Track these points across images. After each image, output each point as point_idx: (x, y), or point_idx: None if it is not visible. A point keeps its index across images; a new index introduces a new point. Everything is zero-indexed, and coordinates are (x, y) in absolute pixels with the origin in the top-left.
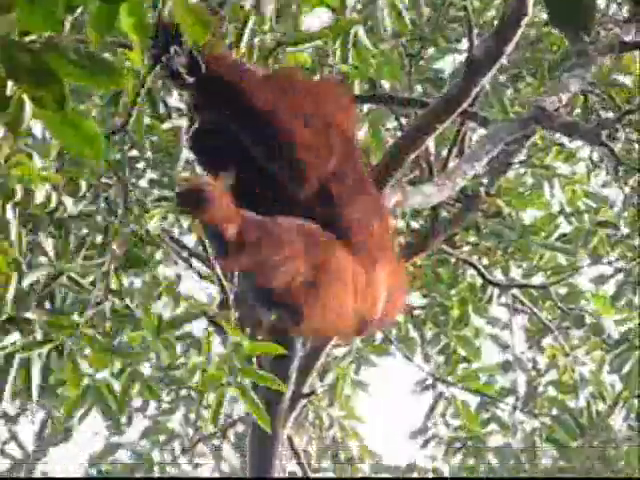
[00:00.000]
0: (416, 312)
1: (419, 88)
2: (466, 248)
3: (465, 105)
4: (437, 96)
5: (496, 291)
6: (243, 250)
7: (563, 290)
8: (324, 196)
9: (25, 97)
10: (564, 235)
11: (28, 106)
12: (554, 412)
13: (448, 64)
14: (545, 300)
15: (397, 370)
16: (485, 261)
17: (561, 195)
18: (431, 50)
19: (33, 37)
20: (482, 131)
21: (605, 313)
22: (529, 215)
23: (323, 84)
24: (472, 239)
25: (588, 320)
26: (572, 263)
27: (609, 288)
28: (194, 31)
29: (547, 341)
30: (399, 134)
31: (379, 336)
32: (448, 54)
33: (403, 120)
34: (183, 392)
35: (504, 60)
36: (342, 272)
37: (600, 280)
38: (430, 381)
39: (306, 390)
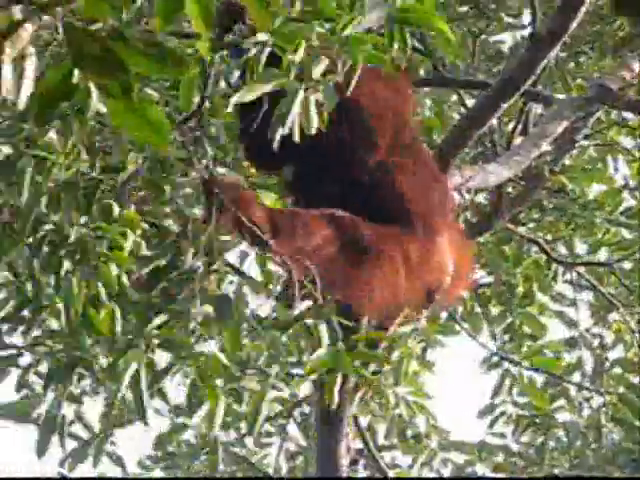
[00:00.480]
0: (481, 290)
1: (482, 67)
2: (530, 225)
3: (529, 83)
4: (499, 75)
5: (560, 268)
6: (278, 238)
7: (628, 266)
8: (385, 166)
9: (91, 85)
10: (629, 209)
11: (95, 94)
12: (620, 390)
13: (509, 39)
14: (610, 276)
15: (463, 348)
16: (549, 237)
17: (625, 169)
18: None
19: (99, 25)
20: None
21: None
22: (594, 190)
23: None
24: (536, 217)
25: None
26: (637, 237)
27: None
28: (259, 15)
29: (613, 317)
30: (463, 112)
31: (444, 315)
32: (510, 29)
33: (467, 100)
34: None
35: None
36: (382, 247)
37: None
38: (496, 359)
39: (372, 369)
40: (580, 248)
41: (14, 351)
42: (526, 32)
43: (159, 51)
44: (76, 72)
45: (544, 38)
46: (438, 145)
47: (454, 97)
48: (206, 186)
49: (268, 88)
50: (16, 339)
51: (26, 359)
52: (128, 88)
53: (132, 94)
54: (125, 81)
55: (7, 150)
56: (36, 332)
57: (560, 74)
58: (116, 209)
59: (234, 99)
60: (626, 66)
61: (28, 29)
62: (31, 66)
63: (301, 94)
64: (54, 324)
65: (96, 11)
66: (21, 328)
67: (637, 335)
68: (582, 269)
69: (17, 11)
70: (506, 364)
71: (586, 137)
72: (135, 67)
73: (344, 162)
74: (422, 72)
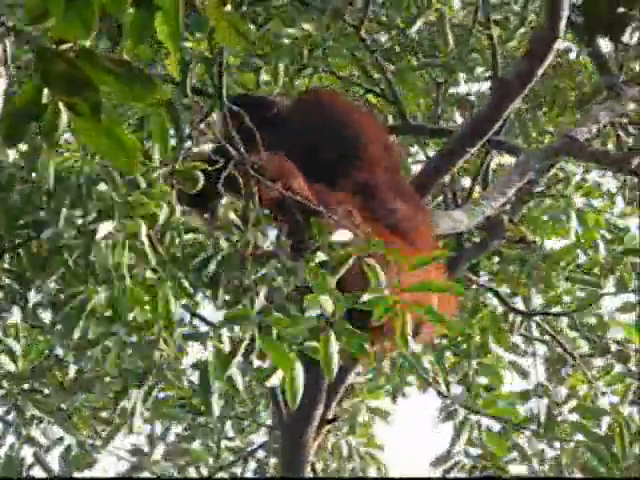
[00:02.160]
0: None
1: (446, 116)
2: (488, 276)
3: (496, 128)
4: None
5: (518, 320)
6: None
7: (587, 320)
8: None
9: (60, 105)
10: (578, 266)
11: (64, 114)
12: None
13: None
14: (568, 329)
15: (417, 399)
16: (507, 290)
17: (578, 226)
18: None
19: (68, 45)
20: (506, 161)
21: (632, 341)
22: (551, 244)
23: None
24: (495, 267)
25: (613, 348)
26: (594, 293)
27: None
28: (230, 40)
29: (568, 371)
30: (425, 160)
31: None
32: (473, 82)
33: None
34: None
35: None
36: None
37: (626, 308)
38: (453, 408)
39: (330, 416)
40: (537, 303)
41: None
42: (486, 86)
43: (128, 71)
44: (45, 91)
45: (511, 83)
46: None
47: (414, 149)
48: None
49: None
50: None
51: None
52: (97, 108)
53: (100, 114)
54: (94, 100)
55: None
56: None
57: (521, 126)
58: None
59: None
60: (592, 118)
61: None
62: (1, 86)
63: None
64: (11, 366)
65: (66, 31)
66: None
67: (592, 389)
68: (540, 320)
69: None
70: (462, 413)
71: (542, 192)
72: (104, 86)
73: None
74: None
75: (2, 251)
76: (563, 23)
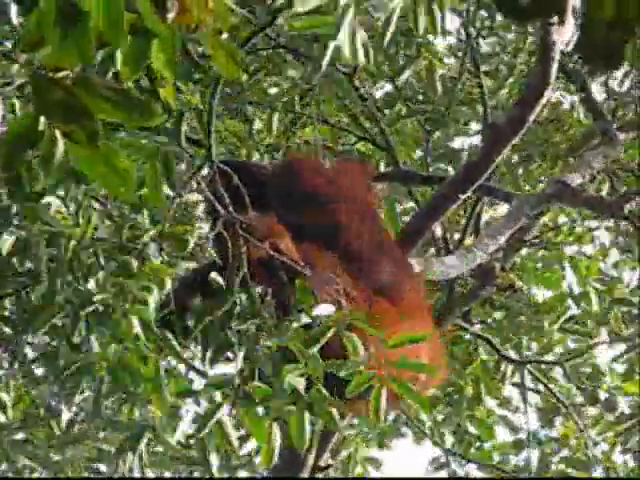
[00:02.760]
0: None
1: (436, 165)
2: (479, 326)
3: (487, 173)
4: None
5: (509, 370)
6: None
7: (582, 369)
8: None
9: (57, 133)
10: (571, 317)
11: (60, 142)
12: None
13: (458, 145)
14: (560, 378)
15: (408, 451)
16: (498, 340)
17: (571, 276)
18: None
19: (64, 73)
20: (498, 212)
21: (622, 390)
22: (542, 294)
23: (345, 165)
24: (486, 315)
25: (602, 397)
26: (585, 343)
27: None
28: (227, 69)
29: (559, 420)
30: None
31: (390, 417)
32: (460, 135)
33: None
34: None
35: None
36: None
37: (617, 357)
38: (444, 459)
39: (322, 463)
40: (528, 352)
41: None
42: (475, 139)
43: (125, 98)
44: (41, 119)
45: (503, 128)
46: (396, 236)
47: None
48: (233, 226)
49: None
50: None
51: None
52: (94, 135)
53: (97, 142)
54: (91, 128)
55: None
56: None
57: (512, 177)
58: (134, 264)
59: None
60: (585, 164)
61: None
62: None
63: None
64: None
65: (63, 59)
66: None
67: (585, 434)
68: (532, 369)
69: None
70: (454, 465)
71: (534, 240)
72: (100, 114)
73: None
74: (382, 166)
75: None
76: (554, 69)
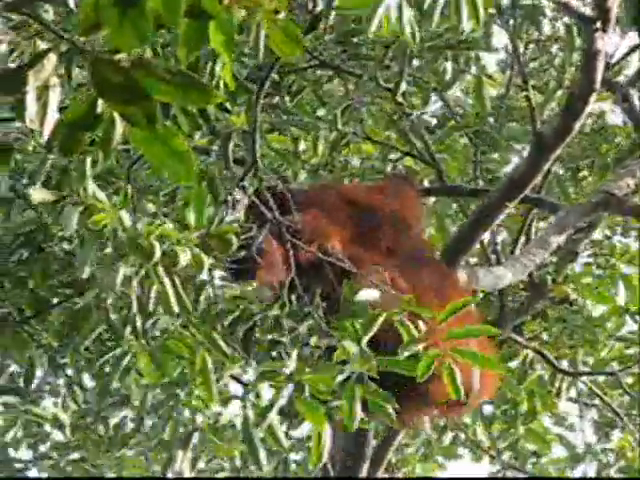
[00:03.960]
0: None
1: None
2: (534, 341)
3: (535, 181)
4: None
5: (565, 384)
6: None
7: (630, 379)
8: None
9: (115, 115)
10: (631, 332)
11: (119, 124)
12: None
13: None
14: (614, 389)
15: (465, 472)
16: (553, 355)
17: (624, 292)
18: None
19: (123, 55)
20: (546, 222)
21: None
22: (596, 307)
23: (391, 181)
24: (539, 329)
25: None
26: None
27: None
28: (285, 48)
29: (616, 434)
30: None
31: (448, 437)
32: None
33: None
34: None
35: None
36: None
37: None
38: (503, 473)
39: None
40: (583, 365)
41: (21, 465)
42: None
43: (183, 79)
44: (100, 102)
45: (549, 137)
46: (444, 246)
47: (454, 207)
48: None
49: None
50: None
51: (33, 473)
52: (152, 117)
53: (156, 123)
54: (149, 110)
55: None
56: (42, 447)
57: (561, 188)
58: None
59: None
60: (630, 172)
61: (52, 60)
62: (55, 96)
63: None
64: (59, 436)
65: (122, 42)
66: (27, 441)
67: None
68: (587, 381)
69: (41, 42)
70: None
71: (590, 256)
72: (158, 96)
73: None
74: (426, 182)
75: (40, 310)
76: (599, 77)
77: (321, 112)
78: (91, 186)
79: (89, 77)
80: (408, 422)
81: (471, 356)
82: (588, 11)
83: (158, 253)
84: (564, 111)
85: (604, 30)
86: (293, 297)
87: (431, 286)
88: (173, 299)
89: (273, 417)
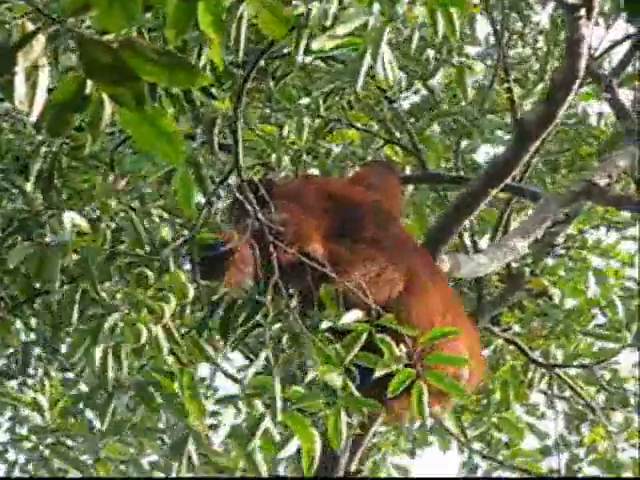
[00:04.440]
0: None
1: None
2: (511, 330)
3: (517, 169)
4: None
5: (537, 375)
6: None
7: (604, 373)
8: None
9: (104, 96)
10: (601, 326)
11: (107, 105)
12: None
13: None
14: (587, 384)
15: (435, 459)
16: (526, 345)
17: (595, 288)
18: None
19: (111, 36)
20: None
21: None
22: (569, 302)
23: (371, 167)
24: (514, 320)
25: (632, 401)
26: (612, 349)
27: None
28: (272, 28)
29: (586, 427)
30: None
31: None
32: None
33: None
34: None
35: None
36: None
37: None
38: (476, 461)
39: (352, 469)
40: (555, 358)
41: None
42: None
43: (170, 59)
44: (89, 83)
45: (531, 124)
46: (425, 236)
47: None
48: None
49: None
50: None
51: (11, 455)
52: (140, 98)
53: (144, 104)
54: (137, 91)
55: None
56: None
57: (539, 180)
58: (150, 275)
59: None
60: (612, 162)
61: (41, 40)
62: (44, 77)
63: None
64: (38, 419)
65: (111, 23)
66: (6, 424)
67: (611, 444)
68: (560, 373)
69: (29, 23)
70: (484, 467)
71: (563, 249)
72: (147, 76)
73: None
74: (407, 170)
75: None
76: (582, 64)
77: (305, 100)
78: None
79: (78, 58)
80: (399, 413)
81: (447, 360)
82: None
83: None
84: (547, 99)
85: (588, 18)
86: (268, 297)
87: (423, 274)
88: (164, 342)
89: (268, 425)
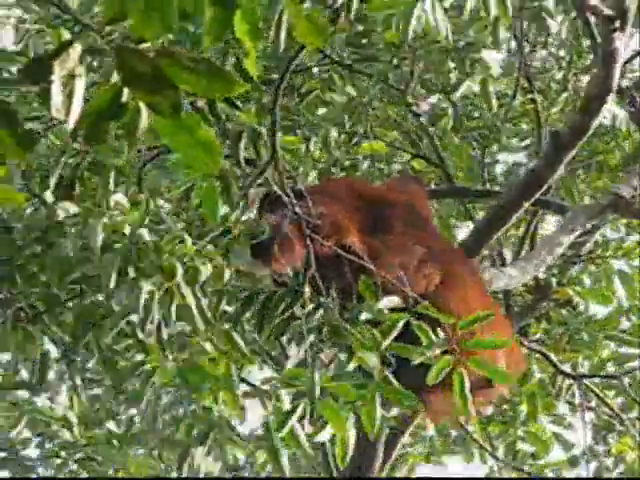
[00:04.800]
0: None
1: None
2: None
3: (551, 181)
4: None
5: (565, 386)
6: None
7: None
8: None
9: (141, 104)
10: (624, 331)
11: (144, 113)
12: None
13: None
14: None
15: (460, 470)
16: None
17: (621, 291)
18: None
19: (147, 44)
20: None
21: None
22: (595, 309)
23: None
24: (541, 331)
25: None
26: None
27: None
28: (310, 39)
29: (613, 437)
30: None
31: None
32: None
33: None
34: None
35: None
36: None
37: None
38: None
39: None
40: (583, 369)
41: (29, 463)
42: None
43: (207, 68)
44: (125, 91)
45: (565, 136)
46: (459, 244)
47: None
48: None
49: None
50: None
51: (40, 471)
52: (177, 106)
53: (181, 112)
54: (174, 99)
55: None
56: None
57: (567, 189)
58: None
59: None
60: (638, 175)
61: (77, 49)
62: (80, 86)
63: None
64: (67, 435)
65: (146, 30)
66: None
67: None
68: (588, 383)
69: (66, 31)
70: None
71: (588, 254)
72: (184, 85)
73: None
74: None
75: (53, 305)
76: (617, 76)
77: (330, 115)
78: (116, 196)
79: (114, 66)
80: (438, 411)
81: (489, 344)
82: (607, 10)
83: (180, 272)
84: (580, 111)
85: (622, 30)
86: (308, 289)
87: (460, 270)
88: (197, 314)
89: (294, 422)
